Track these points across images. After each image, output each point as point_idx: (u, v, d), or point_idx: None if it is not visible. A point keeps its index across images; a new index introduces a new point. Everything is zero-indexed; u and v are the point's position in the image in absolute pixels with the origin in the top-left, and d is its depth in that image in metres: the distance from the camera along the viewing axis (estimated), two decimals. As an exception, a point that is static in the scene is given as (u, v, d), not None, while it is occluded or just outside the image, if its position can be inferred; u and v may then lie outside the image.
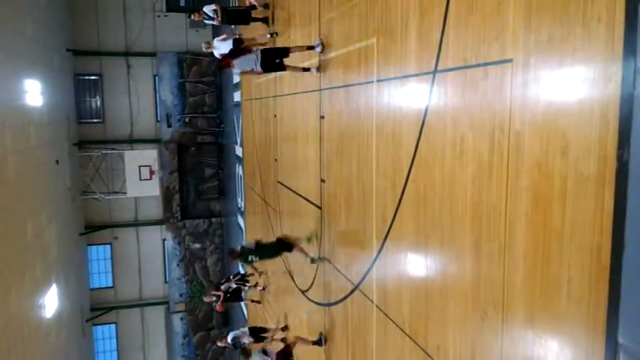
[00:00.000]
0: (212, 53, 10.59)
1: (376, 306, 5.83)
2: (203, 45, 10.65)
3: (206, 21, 10.25)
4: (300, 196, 9.06)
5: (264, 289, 13.21)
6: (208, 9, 10.09)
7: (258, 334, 10.90)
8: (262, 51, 8.18)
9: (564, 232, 2.92)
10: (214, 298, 12.82)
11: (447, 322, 4.25)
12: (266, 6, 10.58)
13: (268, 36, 10.38)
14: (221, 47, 10.23)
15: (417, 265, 4.88)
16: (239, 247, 9.47)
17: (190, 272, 21.64)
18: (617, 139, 2.58)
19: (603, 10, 2.62)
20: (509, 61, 3.34)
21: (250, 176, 14.84)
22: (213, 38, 10.61)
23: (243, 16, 10.65)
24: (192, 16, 10.45)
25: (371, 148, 5.77)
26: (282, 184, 10.49)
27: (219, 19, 10.03)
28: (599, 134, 2.68)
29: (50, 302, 14.38)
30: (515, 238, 3.34)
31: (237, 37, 10.65)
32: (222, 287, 13.21)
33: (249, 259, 9.18)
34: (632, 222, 2.51)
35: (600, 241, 2.68)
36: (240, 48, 9.59)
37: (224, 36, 10.44)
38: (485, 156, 3.64)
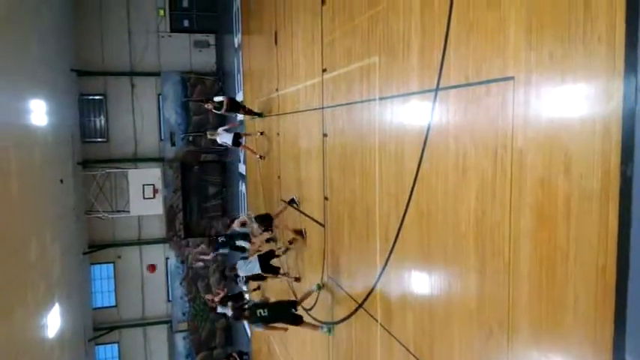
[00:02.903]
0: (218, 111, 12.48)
1: (380, 324, 5.78)
2: (208, 133, 13.08)
3: (215, 111, 12.35)
4: (304, 213, 9.05)
5: None
6: (218, 99, 12.22)
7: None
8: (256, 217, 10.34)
9: (569, 250, 2.90)
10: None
11: (452, 341, 4.21)
12: (260, 115, 12.59)
13: (259, 134, 12.86)
14: (224, 136, 12.41)
15: (421, 283, 4.84)
16: (248, 307, 8.75)
17: (193, 291, 21.55)
18: (620, 156, 2.57)
19: (603, 29, 2.64)
20: (511, 78, 3.36)
21: (254, 194, 14.85)
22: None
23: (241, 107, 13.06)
24: (207, 105, 12.35)
25: (374, 166, 5.78)
26: (286, 202, 10.48)
27: (225, 109, 12.05)
28: (602, 151, 2.68)
29: (53, 321, 14.32)
30: (520, 256, 3.32)
31: (237, 131, 13.01)
32: (219, 310, 13.29)
33: (258, 313, 8.23)
34: (637, 240, 2.49)
35: (605, 259, 2.66)
36: (238, 141, 12.57)
37: (228, 126, 12.87)
38: (489, 173, 3.64)
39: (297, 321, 8.16)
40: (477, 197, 3.80)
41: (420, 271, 4.84)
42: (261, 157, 12.85)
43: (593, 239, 2.74)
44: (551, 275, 3.05)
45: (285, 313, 8.18)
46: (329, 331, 7.83)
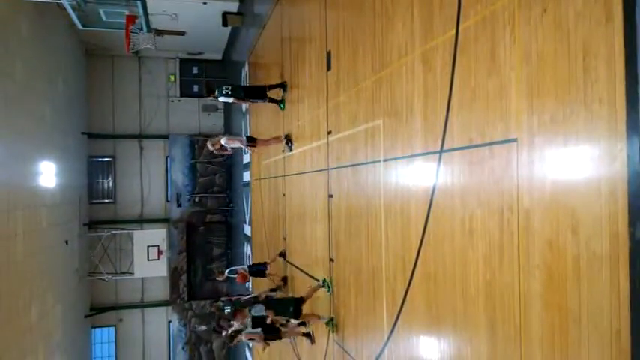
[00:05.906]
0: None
1: (389, 392, 5.56)
2: (209, 143, 10.78)
3: (221, 98, 10.41)
4: (309, 275, 8.93)
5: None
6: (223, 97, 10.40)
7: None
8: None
9: (581, 314, 2.83)
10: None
11: (464, 411, 4.03)
12: (283, 86, 10.59)
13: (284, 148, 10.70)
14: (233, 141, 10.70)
15: (430, 348, 4.70)
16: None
17: (195, 356, 20.96)
18: (627, 217, 2.56)
19: (604, 92, 2.70)
20: (514, 140, 3.40)
21: (258, 255, 14.71)
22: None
23: (259, 92, 10.87)
24: (210, 97, 10.54)
25: (380, 227, 5.75)
26: (291, 263, 10.38)
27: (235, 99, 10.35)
28: (608, 212, 2.67)
29: (50, 389, 13.88)
30: (531, 320, 3.24)
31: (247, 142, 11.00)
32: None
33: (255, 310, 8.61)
34: (651, 302, 2.43)
35: (619, 324, 2.59)
36: (251, 137, 10.76)
37: (236, 144, 10.71)
38: (496, 234, 3.61)
39: (298, 315, 8.27)
40: (484, 259, 3.75)
41: (428, 336, 4.71)
42: (287, 140, 10.39)
43: (605, 302, 2.68)
44: (565, 339, 2.96)
45: (286, 307, 8.26)
46: (330, 322, 7.78)
